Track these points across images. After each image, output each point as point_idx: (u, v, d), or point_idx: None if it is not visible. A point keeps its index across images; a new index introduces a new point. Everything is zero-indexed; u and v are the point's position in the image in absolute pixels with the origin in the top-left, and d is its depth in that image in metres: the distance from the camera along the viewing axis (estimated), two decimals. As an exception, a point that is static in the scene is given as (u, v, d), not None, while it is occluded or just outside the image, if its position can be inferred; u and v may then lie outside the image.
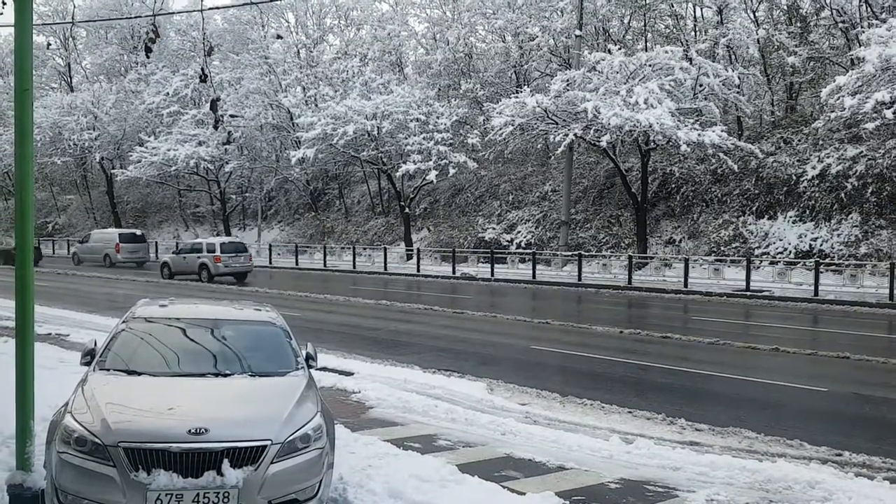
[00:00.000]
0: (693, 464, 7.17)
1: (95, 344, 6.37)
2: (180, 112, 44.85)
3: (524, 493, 6.16)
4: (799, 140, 28.72)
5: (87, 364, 6.00)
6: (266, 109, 41.84)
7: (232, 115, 38.67)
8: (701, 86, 26.59)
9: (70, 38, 58.26)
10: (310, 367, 6.38)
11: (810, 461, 7.43)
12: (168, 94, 46.74)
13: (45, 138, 47.31)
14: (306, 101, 41.24)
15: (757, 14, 32.56)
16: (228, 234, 45.37)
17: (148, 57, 12.75)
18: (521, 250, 31.93)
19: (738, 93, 28.15)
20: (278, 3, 43.06)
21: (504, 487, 6.35)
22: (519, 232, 33.72)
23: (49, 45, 46.31)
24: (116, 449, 4.69)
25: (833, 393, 10.52)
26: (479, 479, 6.38)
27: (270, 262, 38.37)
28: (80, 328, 15.51)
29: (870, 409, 9.82)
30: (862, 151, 25.81)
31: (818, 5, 29.95)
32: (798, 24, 31.56)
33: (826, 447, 7.92)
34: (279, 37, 43.46)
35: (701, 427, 8.75)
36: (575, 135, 26.48)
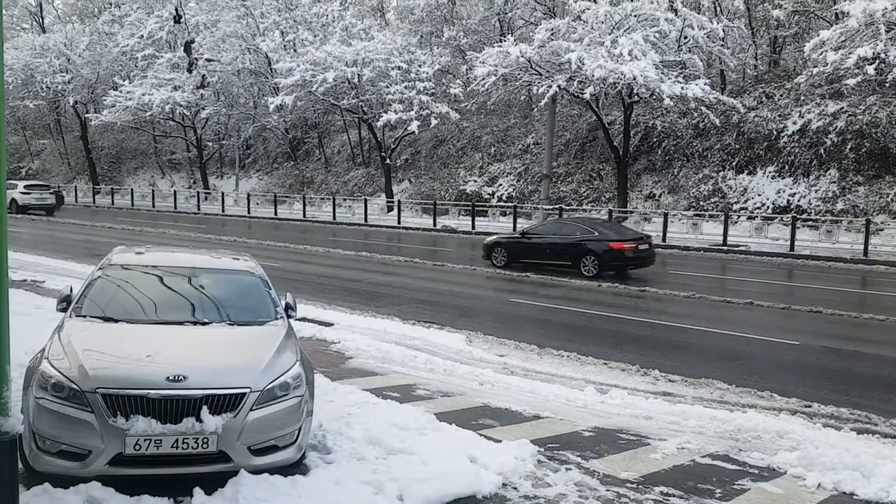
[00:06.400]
0: (665, 413, 7.33)
1: (71, 290, 6.28)
2: (155, 55, 43.72)
3: (500, 441, 6.26)
4: (781, 95, 28.71)
5: (63, 310, 5.93)
6: (243, 54, 40.86)
7: (208, 59, 37.65)
8: (685, 38, 26.36)
9: (41, -24, 56.34)
10: (289, 316, 6.36)
11: (780, 412, 7.61)
12: (143, 36, 45.49)
13: (17, 81, 46.08)
14: (285, 46, 40.27)
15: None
16: (206, 183, 44.73)
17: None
18: (502, 203, 31.89)
19: (722, 46, 27.95)
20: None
21: (481, 435, 6.44)
22: (500, 185, 33.62)
23: (19, -17, 44.87)
24: (94, 395, 4.68)
25: (805, 346, 10.74)
26: (456, 427, 6.47)
27: (249, 212, 38.05)
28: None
29: (840, 363, 10.05)
30: (843, 107, 25.87)
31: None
32: (785, -23, 31.25)
33: (796, 399, 8.11)
34: (257, -23, 42.16)
35: (674, 378, 8.92)
36: (558, 86, 26.23)
